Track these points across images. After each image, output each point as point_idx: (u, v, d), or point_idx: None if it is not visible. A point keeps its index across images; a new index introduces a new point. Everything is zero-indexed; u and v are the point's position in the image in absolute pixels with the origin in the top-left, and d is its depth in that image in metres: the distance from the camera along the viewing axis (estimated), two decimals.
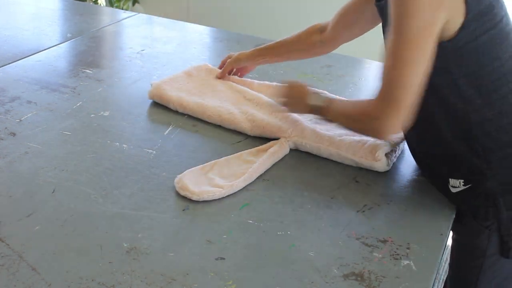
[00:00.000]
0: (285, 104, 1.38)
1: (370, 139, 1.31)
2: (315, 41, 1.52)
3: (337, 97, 1.49)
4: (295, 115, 1.42)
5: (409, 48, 1.05)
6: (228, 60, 1.66)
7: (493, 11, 1.06)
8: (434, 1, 1.02)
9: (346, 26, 1.45)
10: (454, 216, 1.19)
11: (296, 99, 1.35)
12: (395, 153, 1.33)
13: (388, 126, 1.12)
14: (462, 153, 1.16)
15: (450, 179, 1.21)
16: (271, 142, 1.37)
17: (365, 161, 1.29)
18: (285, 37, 1.58)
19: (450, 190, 1.21)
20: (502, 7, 1.10)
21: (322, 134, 1.35)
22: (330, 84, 1.76)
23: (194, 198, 1.17)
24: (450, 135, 1.16)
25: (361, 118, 1.19)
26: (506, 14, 1.11)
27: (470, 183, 1.17)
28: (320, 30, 1.51)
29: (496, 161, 1.14)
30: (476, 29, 1.05)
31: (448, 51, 1.07)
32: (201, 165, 1.27)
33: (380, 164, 1.28)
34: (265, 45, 1.60)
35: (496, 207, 1.15)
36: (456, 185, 1.20)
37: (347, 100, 1.38)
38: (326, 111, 1.27)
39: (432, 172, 1.28)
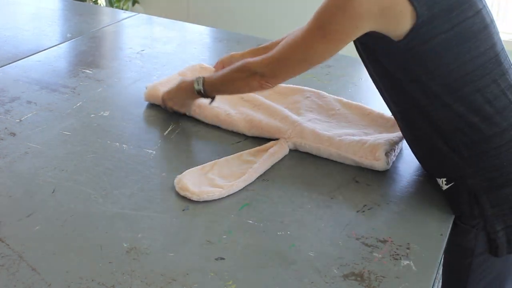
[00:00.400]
0: (172, 103, 1.47)
1: (370, 139, 1.31)
2: None
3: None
4: (294, 116, 1.42)
5: (315, 40, 1.15)
6: (221, 58, 1.66)
7: (454, 12, 1.07)
8: (355, 15, 1.07)
9: None
10: (454, 216, 1.19)
11: (181, 94, 1.44)
12: (394, 151, 1.33)
13: (257, 83, 1.25)
14: (442, 151, 1.17)
15: (437, 178, 1.23)
16: (271, 143, 1.37)
17: (365, 161, 1.29)
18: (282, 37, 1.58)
19: (441, 189, 1.23)
20: (474, 4, 1.10)
21: (322, 135, 1.35)
22: (330, 84, 1.76)
23: (194, 198, 1.17)
24: (429, 132, 1.17)
25: (243, 69, 1.28)
26: (479, 11, 1.11)
27: (452, 182, 1.18)
28: None
29: (473, 157, 1.15)
30: (426, 32, 1.07)
31: (402, 50, 1.09)
32: (201, 165, 1.27)
33: (380, 163, 1.28)
34: (261, 45, 1.60)
35: (480, 205, 1.16)
36: (440, 183, 1.21)
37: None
38: (209, 87, 1.36)
39: (424, 169, 1.31)
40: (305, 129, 1.37)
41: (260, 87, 1.27)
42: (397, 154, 1.35)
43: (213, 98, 1.40)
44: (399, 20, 1.06)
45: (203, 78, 1.37)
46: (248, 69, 1.26)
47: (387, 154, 1.30)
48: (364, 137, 1.31)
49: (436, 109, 1.13)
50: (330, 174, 1.30)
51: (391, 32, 1.08)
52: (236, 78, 1.30)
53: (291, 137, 1.37)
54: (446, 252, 1.32)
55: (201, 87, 1.36)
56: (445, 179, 1.20)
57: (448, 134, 1.15)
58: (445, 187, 1.20)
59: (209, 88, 1.36)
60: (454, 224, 1.22)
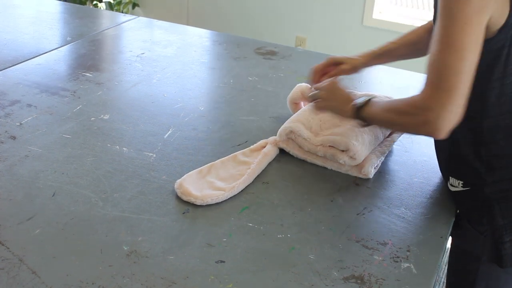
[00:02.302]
0: (323, 97, 1.32)
1: (357, 150, 1.27)
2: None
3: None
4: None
5: (461, 33, 0.97)
6: (342, 67, 1.50)
7: None
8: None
9: None
10: (454, 219, 1.19)
11: (336, 96, 1.29)
12: (381, 158, 1.34)
13: (443, 118, 0.99)
14: (467, 155, 1.16)
15: (450, 177, 1.21)
16: (263, 141, 1.37)
17: (352, 173, 1.31)
18: (400, 38, 1.45)
19: (448, 188, 1.22)
20: None
21: (306, 147, 1.35)
22: None
23: (198, 202, 1.16)
24: (460, 136, 1.14)
25: (410, 111, 1.05)
26: None
27: (469, 186, 1.18)
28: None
29: (499, 169, 1.14)
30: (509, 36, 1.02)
31: (493, 48, 1.04)
32: (198, 169, 1.27)
33: (367, 176, 1.30)
34: (379, 48, 1.45)
35: (491, 214, 1.15)
36: (455, 184, 1.20)
37: (389, 99, 1.28)
38: (367, 110, 1.19)
39: (439, 164, 1.29)
40: (289, 141, 1.37)
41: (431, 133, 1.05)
42: (383, 160, 1.36)
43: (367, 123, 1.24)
44: (497, 12, 0.99)
45: (370, 98, 1.20)
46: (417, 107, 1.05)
47: (373, 164, 1.30)
48: (352, 147, 1.28)
49: (484, 119, 1.10)
50: (330, 177, 1.30)
51: (490, 23, 1.00)
52: (400, 115, 1.10)
53: (278, 142, 1.38)
54: (453, 255, 1.32)
55: (362, 103, 1.19)
56: (462, 182, 1.18)
57: (484, 144, 1.13)
58: (459, 189, 1.19)
59: (368, 112, 1.18)
60: (461, 228, 1.21)
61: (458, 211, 1.23)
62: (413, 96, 1.06)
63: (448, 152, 1.23)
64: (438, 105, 0.99)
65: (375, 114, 1.18)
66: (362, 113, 1.19)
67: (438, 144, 1.27)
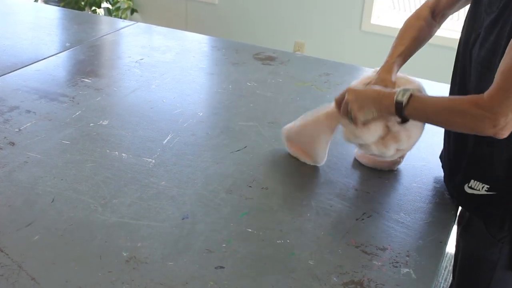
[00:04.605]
0: (357, 105, 1.21)
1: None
2: (431, 25, 1.36)
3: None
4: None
5: None
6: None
7: None
8: None
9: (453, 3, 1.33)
10: (453, 224, 1.19)
11: (364, 96, 1.21)
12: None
13: (508, 120, 1.01)
14: (498, 159, 1.14)
15: (472, 180, 1.19)
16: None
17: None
18: (404, 38, 1.35)
19: (464, 190, 1.20)
20: None
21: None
22: (329, 92, 1.77)
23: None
24: (495, 140, 1.09)
25: (473, 111, 1.04)
26: None
27: (495, 191, 1.16)
28: (431, 12, 1.35)
29: None
30: None
31: None
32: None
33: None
34: (395, 54, 1.33)
35: None
36: (477, 188, 1.18)
37: (430, 96, 1.19)
38: (412, 107, 1.12)
39: (453, 165, 1.26)
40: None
41: (494, 133, 1.04)
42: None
43: (406, 120, 1.20)
44: None
45: (411, 92, 1.12)
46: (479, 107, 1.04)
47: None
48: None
49: None
50: (329, 182, 1.30)
51: None
52: (460, 114, 1.08)
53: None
54: (464, 262, 1.31)
55: (404, 100, 1.12)
56: (488, 186, 1.17)
57: None
58: (482, 193, 1.18)
59: (414, 108, 1.12)
60: (474, 234, 1.21)
61: (471, 217, 1.22)
62: (473, 97, 1.06)
63: (473, 154, 1.20)
64: (503, 107, 1.00)
65: (422, 112, 1.13)
66: (407, 111, 1.13)
67: (457, 146, 1.23)
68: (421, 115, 1.15)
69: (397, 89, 1.15)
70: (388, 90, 1.19)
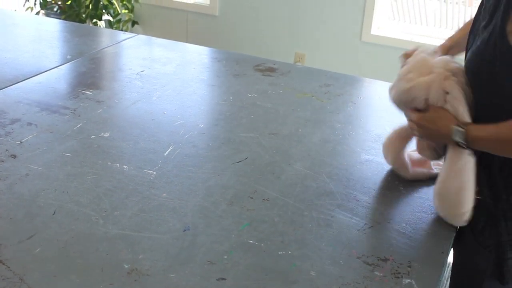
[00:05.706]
0: (423, 132, 1.22)
1: None
2: None
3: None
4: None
5: None
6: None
7: None
8: None
9: None
10: (454, 234, 1.19)
11: (436, 132, 1.20)
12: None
13: None
14: (490, 166, 1.15)
15: None
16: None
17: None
18: (463, 29, 1.35)
19: None
20: None
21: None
22: (329, 103, 1.77)
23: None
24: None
25: None
26: None
27: (482, 197, 1.17)
28: None
29: None
30: None
31: None
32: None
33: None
34: (449, 40, 1.36)
35: (497, 228, 1.15)
36: None
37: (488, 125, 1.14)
38: (476, 143, 1.12)
39: None
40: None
41: None
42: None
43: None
44: None
45: (466, 131, 1.11)
46: None
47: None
48: None
49: None
50: (330, 193, 1.30)
51: None
52: None
53: None
54: (456, 271, 1.31)
55: (461, 141, 1.12)
56: (476, 188, 1.17)
57: (510, 160, 1.12)
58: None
59: (475, 144, 1.12)
60: (465, 243, 1.21)
61: (458, 228, 1.22)
62: None
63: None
64: None
65: (487, 149, 1.13)
66: (472, 148, 1.13)
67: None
68: (486, 149, 1.13)
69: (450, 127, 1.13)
70: (447, 124, 1.15)
